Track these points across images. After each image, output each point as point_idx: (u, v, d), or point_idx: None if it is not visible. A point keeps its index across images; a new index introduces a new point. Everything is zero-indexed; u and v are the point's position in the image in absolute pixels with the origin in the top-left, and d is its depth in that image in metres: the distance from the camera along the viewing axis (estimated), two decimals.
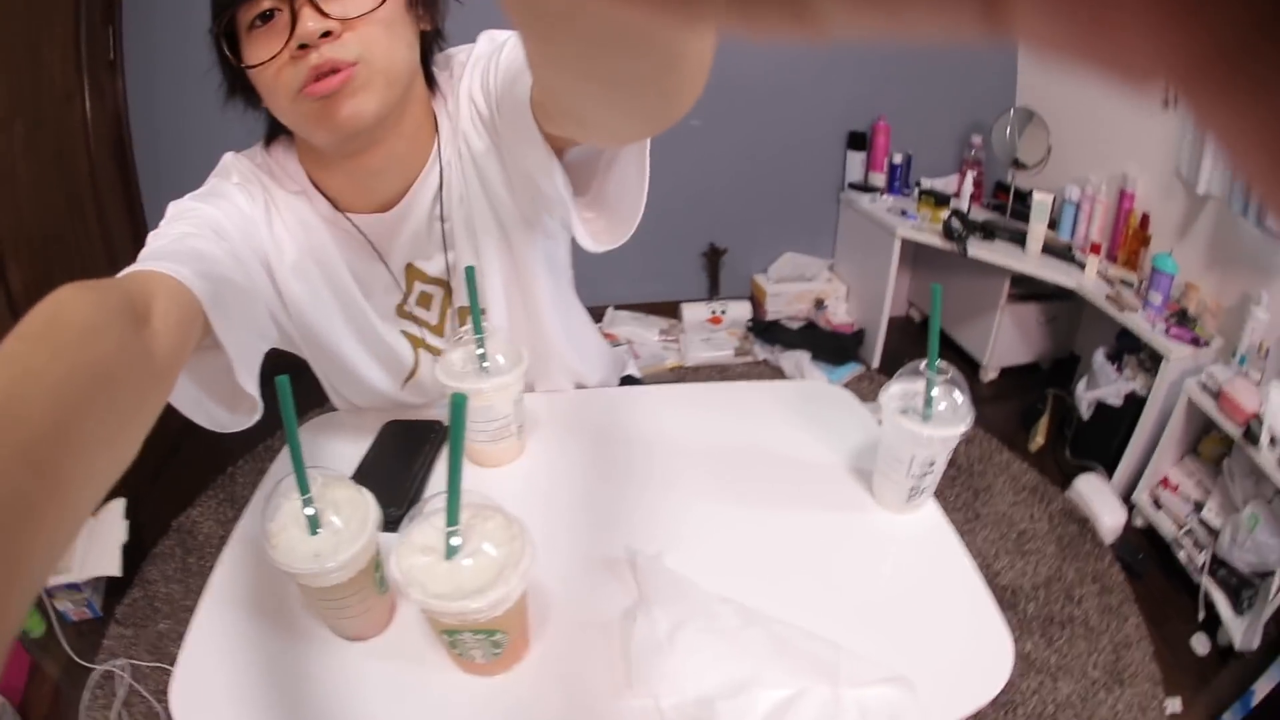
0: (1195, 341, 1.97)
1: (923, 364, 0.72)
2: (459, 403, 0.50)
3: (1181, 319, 2.04)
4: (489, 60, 0.82)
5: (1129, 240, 2.35)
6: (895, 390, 0.75)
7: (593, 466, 0.85)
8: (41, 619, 1.80)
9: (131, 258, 0.66)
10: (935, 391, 0.73)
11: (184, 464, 2.32)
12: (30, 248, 2.06)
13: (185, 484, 2.22)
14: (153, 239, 0.74)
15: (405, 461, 0.83)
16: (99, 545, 1.86)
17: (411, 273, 0.92)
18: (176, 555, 2.00)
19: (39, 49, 2.15)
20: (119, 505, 1.95)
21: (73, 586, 1.78)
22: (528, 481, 0.83)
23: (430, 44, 0.83)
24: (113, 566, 1.81)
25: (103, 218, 2.41)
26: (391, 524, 0.66)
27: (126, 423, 0.46)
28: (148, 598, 1.86)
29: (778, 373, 2.77)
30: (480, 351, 0.80)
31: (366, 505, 0.62)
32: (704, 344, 2.87)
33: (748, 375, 2.76)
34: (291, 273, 0.87)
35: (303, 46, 0.70)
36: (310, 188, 0.86)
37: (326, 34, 0.70)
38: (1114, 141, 2.45)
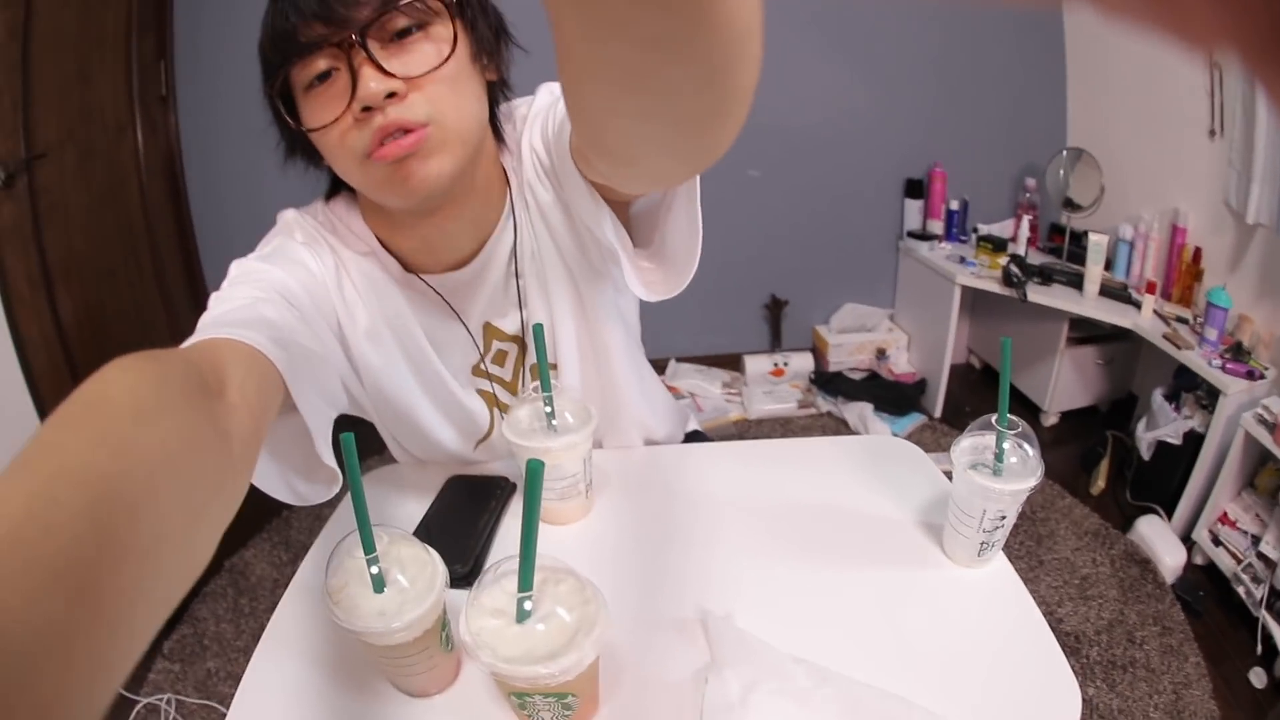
0: (1250, 375, 1.94)
1: (993, 418, 0.71)
2: (535, 470, 0.50)
3: (1237, 353, 2.00)
4: (549, 111, 0.79)
5: (1183, 276, 2.31)
6: (965, 445, 0.73)
7: (661, 525, 0.83)
8: None
9: (185, 297, 0.65)
10: (1006, 445, 0.71)
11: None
12: (82, 279, 2.10)
13: (239, 524, 2.19)
14: (216, 302, 0.70)
15: (471, 518, 0.82)
16: None
17: (489, 331, 0.90)
18: (228, 595, 2.01)
19: (90, 77, 2.18)
20: None
21: None
22: (595, 540, 0.82)
23: (496, 95, 0.79)
24: None
25: (156, 254, 2.43)
26: (456, 581, 0.65)
27: (196, 518, 0.39)
28: (197, 635, 1.88)
29: (841, 424, 2.74)
30: (548, 410, 0.78)
31: (434, 565, 0.62)
32: (767, 396, 2.84)
33: (811, 427, 2.74)
34: (365, 338, 0.84)
35: (367, 109, 0.66)
36: (379, 248, 0.83)
37: (391, 94, 0.66)
38: (1163, 176, 2.42)
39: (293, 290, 0.75)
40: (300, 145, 0.76)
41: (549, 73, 0.72)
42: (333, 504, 0.87)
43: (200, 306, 0.68)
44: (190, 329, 0.63)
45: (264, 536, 2.23)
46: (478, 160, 0.76)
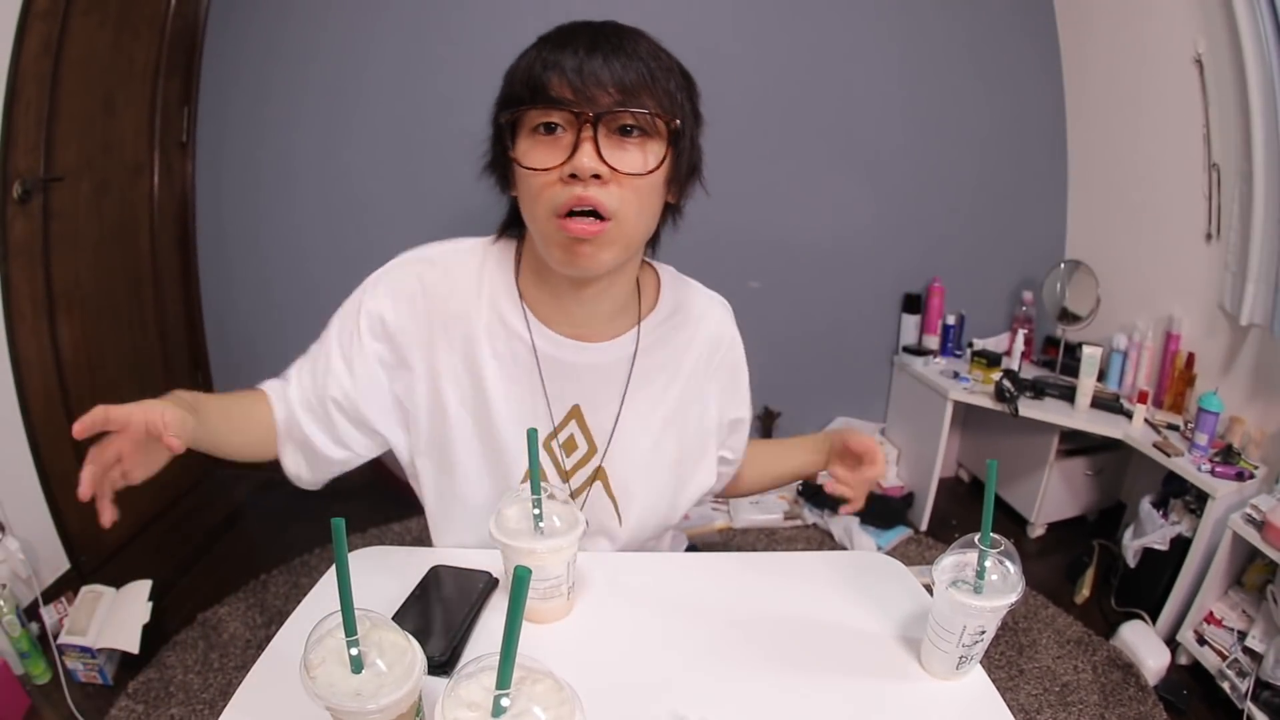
0: (1240, 476, 1.96)
1: (976, 537, 0.72)
2: (522, 577, 0.51)
3: (1226, 455, 2.02)
4: (745, 378, 1.08)
5: (1175, 383, 2.34)
6: (947, 563, 0.74)
7: (640, 629, 0.83)
8: (48, 667, 1.80)
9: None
10: (988, 563, 0.72)
11: (217, 560, 2.31)
12: (84, 311, 2.10)
13: (216, 580, 2.22)
14: (337, 328, 0.92)
15: (452, 609, 0.82)
16: (119, 619, 1.85)
17: (574, 413, 0.96)
18: (199, 648, 1.98)
19: (115, 110, 2.19)
20: (144, 586, 1.94)
21: (85, 650, 1.77)
22: (574, 640, 0.81)
23: (666, 217, 0.90)
24: (131, 643, 1.81)
25: (160, 302, 2.42)
26: (433, 669, 0.65)
27: (242, 433, 0.91)
28: (163, 680, 1.84)
29: (826, 536, 2.71)
30: (537, 512, 0.78)
31: (414, 653, 0.62)
32: (753, 506, 2.81)
33: (796, 539, 2.71)
34: (462, 359, 0.93)
35: (574, 176, 0.76)
36: (515, 295, 0.92)
37: (597, 176, 0.76)
38: (1159, 283, 2.47)
39: (392, 324, 0.91)
40: (501, 170, 0.87)
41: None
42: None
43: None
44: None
45: (240, 596, 2.18)
46: (630, 262, 0.89)
